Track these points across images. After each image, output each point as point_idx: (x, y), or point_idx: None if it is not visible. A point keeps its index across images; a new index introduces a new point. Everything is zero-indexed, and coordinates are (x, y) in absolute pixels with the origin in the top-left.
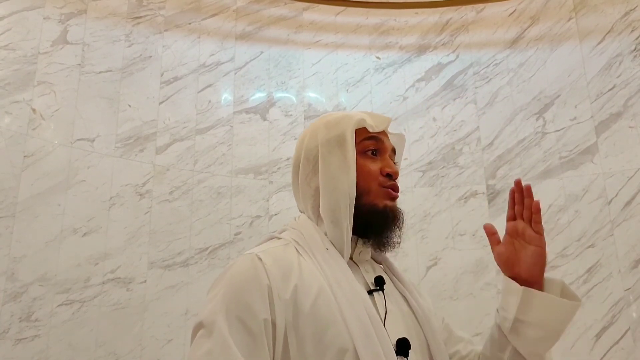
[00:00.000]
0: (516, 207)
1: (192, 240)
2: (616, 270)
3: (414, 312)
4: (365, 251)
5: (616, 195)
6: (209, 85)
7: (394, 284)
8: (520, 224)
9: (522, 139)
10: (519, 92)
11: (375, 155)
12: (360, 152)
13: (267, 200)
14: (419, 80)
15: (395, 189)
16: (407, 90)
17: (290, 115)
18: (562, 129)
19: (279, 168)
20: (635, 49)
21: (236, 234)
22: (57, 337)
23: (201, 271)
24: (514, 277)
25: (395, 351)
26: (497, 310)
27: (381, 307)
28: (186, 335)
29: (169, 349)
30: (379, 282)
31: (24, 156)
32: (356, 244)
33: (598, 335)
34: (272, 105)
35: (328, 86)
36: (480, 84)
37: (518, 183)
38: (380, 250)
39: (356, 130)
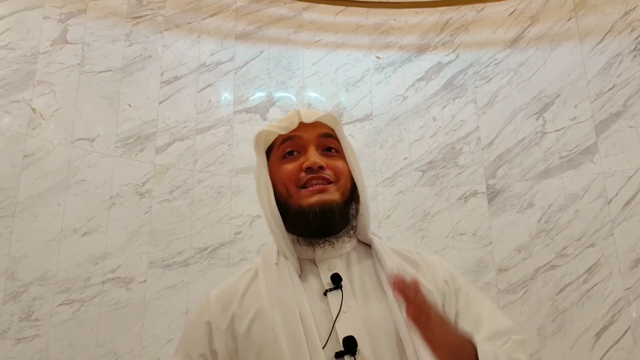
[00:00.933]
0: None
1: (192, 239)
2: (616, 270)
3: (387, 299)
4: (330, 248)
5: (616, 194)
6: (209, 85)
7: (376, 269)
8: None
9: (522, 138)
10: (519, 91)
11: (296, 153)
12: (280, 159)
13: None
14: (419, 80)
15: (320, 179)
16: (407, 90)
17: None
18: (562, 128)
19: None
20: (635, 49)
21: (236, 234)
22: (57, 336)
23: (201, 271)
24: None
25: (343, 351)
26: None
27: (336, 307)
28: None
29: (169, 348)
30: (336, 280)
31: (24, 156)
32: (313, 245)
33: (598, 335)
34: (272, 105)
35: (328, 86)
36: (480, 84)
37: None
38: (351, 241)
39: (277, 137)
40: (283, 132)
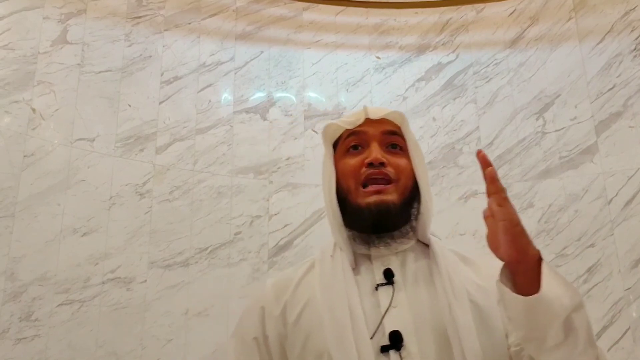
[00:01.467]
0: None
1: (193, 239)
2: (616, 270)
3: (443, 296)
4: (386, 245)
5: (616, 194)
6: (209, 85)
7: (431, 269)
8: (491, 203)
9: (522, 138)
10: (519, 91)
11: (360, 148)
12: (344, 153)
13: (268, 200)
14: (418, 80)
15: (381, 175)
16: (407, 90)
17: (290, 115)
18: (562, 128)
19: (279, 168)
20: (635, 49)
21: (236, 234)
22: (57, 337)
23: (201, 271)
24: (504, 262)
25: (389, 345)
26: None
27: (386, 301)
28: (187, 335)
29: (169, 348)
30: (389, 276)
31: (24, 156)
32: (370, 241)
33: (598, 335)
34: (272, 105)
35: (328, 86)
36: (480, 84)
37: (478, 156)
38: (392, 242)
39: (344, 131)
40: (349, 127)
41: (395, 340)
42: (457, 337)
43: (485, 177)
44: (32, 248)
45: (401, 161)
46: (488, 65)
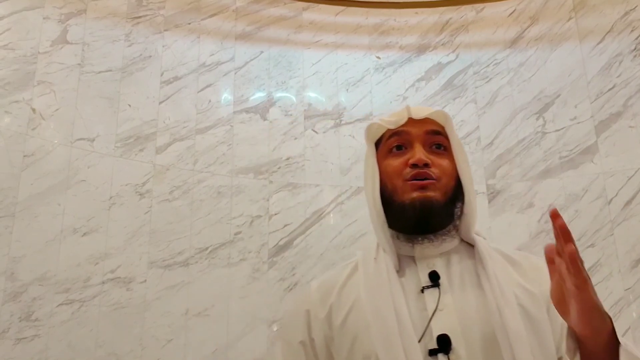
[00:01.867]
0: (556, 243)
1: (193, 239)
2: (616, 270)
3: (490, 299)
4: (430, 246)
5: (616, 195)
6: (209, 85)
7: (477, 271)
8: (561, 266)
9: (522, 138)
10: (519, 91)
11: (403, 148)
12: (387, 153)
13: (268, 200)
14: (419, 80)
15: (423, 176)
16: (407, 90)
17: (290, 115)
18: (562, 128)
19: (279, 168)
20: (635, 49)
21: (236, 234)
22: (57, 337)
23: (201, 271)
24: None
25: (437, 348)
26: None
27: (432, 304)
28: (187, 335)
29: (169, 349)
30: (434, 278)
31: (24, 156)
32: (414, 242)
33: None
34: (272, 105)
35: (328, 86)
36: (480, 84)
37: (552, 215)
38: (436, 241)
39: (386, 131)
40: (392, 127)
41: (444, 344)
42: (507, 342)
43: (568, 257)
44: (32, 248)
45: (444, 161)
46: (488, 65)
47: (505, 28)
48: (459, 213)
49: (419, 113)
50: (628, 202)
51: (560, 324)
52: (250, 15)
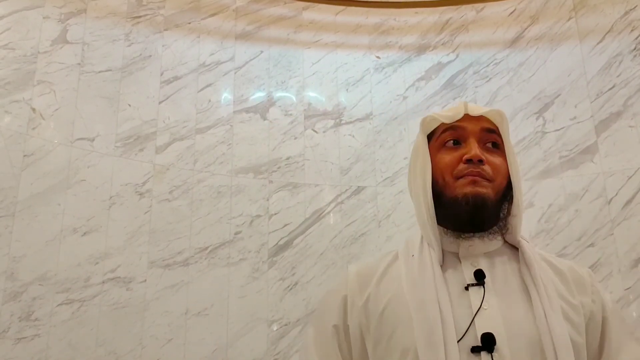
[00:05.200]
0: None
1: (192, 239)
2: (616, 270)
3: (536, 305)
4: (475, 244)
5: (616, 194)
6: (209, 85)
7: (522, 273)
8: None
9: (522, 138)
10: (518, 91)
11: (458, 144)
12: (440, 146)
13: (267, 200)
14: (419, 80)
15: (476, 173)
16: (407, 89)
17: (290, 114)
18: (562, 128)
19: (279, 167)
20: (635, 49)
21: (236, 233)
22: (57, 336)
23: (201, 270)
24: None
25: (480, 346)
26: None
27: (477, 302)
28: (186, 334)
29: (169, 348)
30: (479, 276)
31: (24, 156)
32: (459, 239)
33: None
34: (272, 105)
35: (328, 86)
36: (480, 84)
37: None
38: (498, 240)
39: (439, 125)
40: (447, 121)
41: (488, 342)
42: (552, 348)
43: None
44: (32, 248)
45: (497, 160)
46: (488, 65)
47: (505, 28)
48: (505, 214)
49: (475, 110)
50: (628, 202)
51: (596, 346)
52: (250, 15)
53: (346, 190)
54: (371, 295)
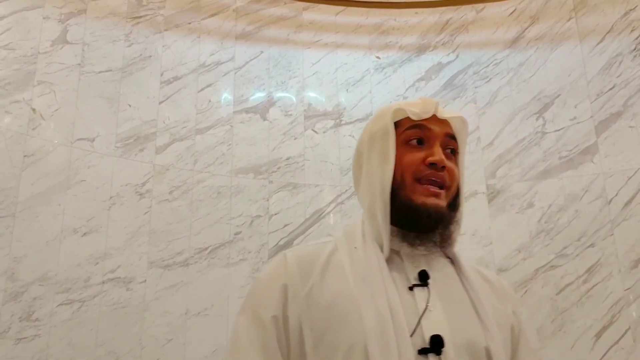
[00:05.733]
0: None
1: (192, 240)
2: (616, 270)
3: (477, 311)
4: (418, 244)
5: (616, 195)
6: (209, 85)
7: (462, 280)
8: None
9: (521, 138)
10: (518, 91)
11: (422, 144)
12: (404, 143)
13: (267, 200)
14: (419, 80)
15: (439, 179)
16: (407, 90)
17: (290, 115)
18: (562, 128)
19: (278, 168)
20: (635, 49)
21: (236, 234)
22: (57, 336)
23: (201, 271)
24: None
25: (428, 348)
26: None
27: (422, 303)
28: (186, 334)
29: (168, 348)
30: (423, 277)
31: (24, 156)
32: (404, 238)
33: (598, 335)
34: (272, 105)
35: (328, 86)
36: (480, 84)
37: None
38: (438, 246)
39: (403, 119)
40: (415, 118)
41: (436, 344)
42: (494, 353)
43: None
44: (32, 248)
45: (455, 168)
46: (488, 65)
47: (505, 28)
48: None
49: (443, 113)
50: (628, 202)
51: (513, 353)
52: (250, 15)
53: (346, 190)
54: (315, 286)
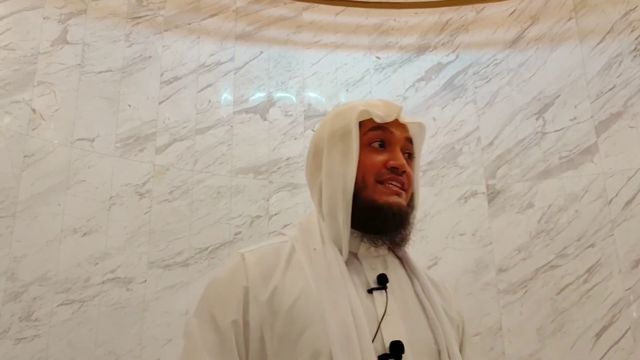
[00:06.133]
0: None
1: (192, 240)
2: (616, 270)
3: (426, 314)
4: (375, 247)
5: (616, 195)
6: (209, 85)
7: (412, 283)
8: None
9: (522, 138)
10: (518, 92)
11: (383, 147)
12: (366, 144)
13: (267, 200)
14: (418, 80)
15: (400, 182)
16: (407, 90)
17: (290, 115)
18: (562, 128)
19: (278, 168)
20: (635, 49)
21: (236, 234)
22: (57, 336)
23: (201, 271)
24: None
25: (388, 354)
26: None
27: (381, 307)
28: None
29: (168, 348)
30: (382, 280)
31: (24, 156)
32: (361, 240)
33: (598, 335)
34: (272, 105)
35: (328, 86)
36: (480, 84)
37: None
38: (388, 247)
39: (364, 120)
40: (378, 120)
41: (395, 351)
42: (447, 357)
43: None
44: (32, 248)
45: (413, 173)
46: (488, 65)
47: (505, 28)
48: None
49: (404, 118)
50: (628, 203)
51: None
52: (250, 16)
53: None
54: (277, 289)
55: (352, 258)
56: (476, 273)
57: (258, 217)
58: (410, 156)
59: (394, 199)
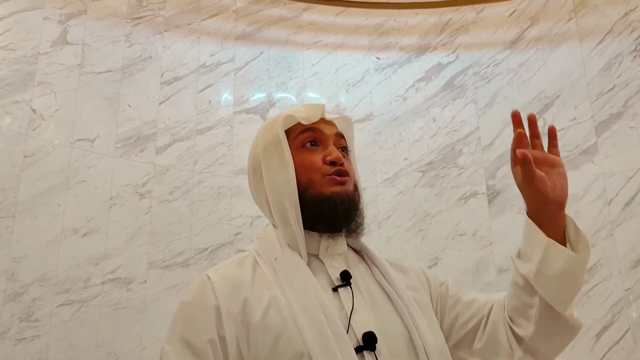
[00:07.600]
0: (530, 139)
1: (192, 240)
2: (616, 271)
3: (391, 300)
4: (334, 245)
5: (616, 195)
6: (209, 86)
7: (373, 273)
8: (538, 153)
9: None
10: (518, 92)
11: (316, 145)
12: (299, 147)
13: None
14: (419, 81)
15: (341, 173)
16: (407, 90)
17: None
18: (562, 129)
19: None
20: (635, 49)
21: (236, 234)
22: (57, 337)
23: (201, 271)
24: (541, 205)
25: (362, 346)
26: (518, 256)
27: (348, 303)
28: None
29: None
30: (345, 277)
31: (24, 156)
32: (320, 240)
33: (598, 335)
34: (272, 106)
35: (328, 86)
36: (480, 84)
37: (515, 115)
38: (347, 241)
39: (294, 126)
40: (305, 122)
41: (369, 341)
42: (419, 338)
43: (550, 133)
44: (32, 248)
45: (349, 164)
46: (488, 65)
47: (505, 28)
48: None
49: (329, 115)
50: (628, 203)
51: (451, 304)
52: (251, 16)
53: None
54: (247, 302)
55: (314, 259)
56: (476, 274)
57: (258, 217)
58: (345, 150)
59: (339, 187)
